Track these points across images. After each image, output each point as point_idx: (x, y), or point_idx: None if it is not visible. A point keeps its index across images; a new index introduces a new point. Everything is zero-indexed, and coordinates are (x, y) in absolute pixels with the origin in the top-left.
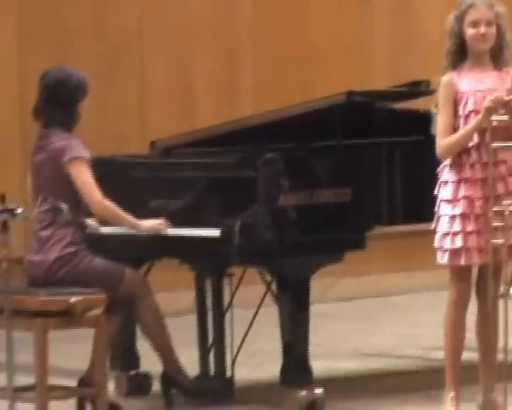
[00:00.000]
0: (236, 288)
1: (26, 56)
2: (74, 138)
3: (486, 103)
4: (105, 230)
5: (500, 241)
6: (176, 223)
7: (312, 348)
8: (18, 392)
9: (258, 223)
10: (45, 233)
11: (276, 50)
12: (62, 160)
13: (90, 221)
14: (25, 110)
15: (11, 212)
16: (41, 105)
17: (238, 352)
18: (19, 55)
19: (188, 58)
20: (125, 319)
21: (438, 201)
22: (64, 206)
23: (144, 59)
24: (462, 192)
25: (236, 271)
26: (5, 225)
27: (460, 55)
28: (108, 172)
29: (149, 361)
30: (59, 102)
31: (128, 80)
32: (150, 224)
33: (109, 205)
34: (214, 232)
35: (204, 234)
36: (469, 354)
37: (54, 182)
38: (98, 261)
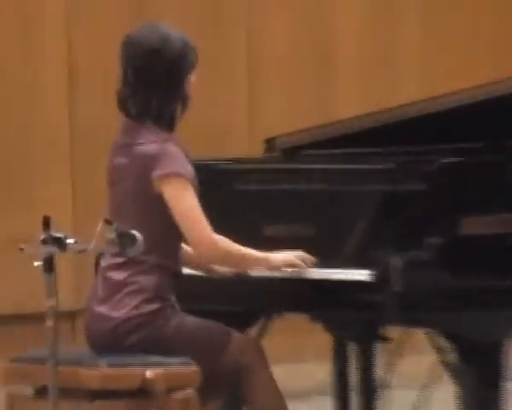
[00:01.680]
0: (393, 358)
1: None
2: (174, 143)
3: None
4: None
5: None
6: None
7: None
8: None
9: (428, 261)
10: (117, 276)
11: None
12: (153, 173)
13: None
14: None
15: (59, 242)
16: (128, 91)
17: None
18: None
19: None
20: (229, 401)
21: None
22: (138, 235)
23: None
24: None
25: (394, 333)
26: (51, 263)
27: None
28: (203, 184)
29: None
30: (155, 83)
31: (231, 52)
32: (284, 257)
33: (224, 242)
34: (362, 275)
35: (346, 277)
36: None
37: (135, 202)
38: (192, 321)
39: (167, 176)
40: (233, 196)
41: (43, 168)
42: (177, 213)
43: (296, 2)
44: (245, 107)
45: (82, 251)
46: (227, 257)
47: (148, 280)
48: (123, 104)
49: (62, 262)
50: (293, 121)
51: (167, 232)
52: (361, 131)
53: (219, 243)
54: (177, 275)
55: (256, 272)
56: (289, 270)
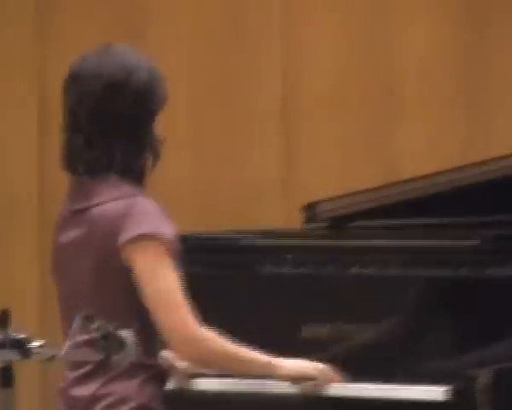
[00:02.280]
0: None
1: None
2: (145, 198)
3: None
4: (201, 383)
5: None
6: (354, 370)
7: None
8: None
9: None
10: (84, 391)
11: None
12: (119, 239)
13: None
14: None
15: (21, 347)
16: (79, 140)
17: None
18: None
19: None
20: None
21: None
22: (129, 337)
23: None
24: None
25: None
26: (7, 373)
27: None
28: (207, 266)
29: None
30: (117, 127)
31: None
32: (299, 365)
33: (211, 338)
34: (435, 392)
35: (413, 396)
36: None
37: (99, 285)
38: None
39: (137, 240)
40: (249, 283)
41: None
42: (146, 291)
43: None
44: (279, 159)
45: (51, 358)
46: (214, 358)
47: (128, 387)
48: (71, 159)
49: (25, 372)
50: (342, 179)
51: (147, 320)
52: (433, 195)
53: (204, 339)
54: (165, 378)
55: (254, 385)
56: (303, 384)
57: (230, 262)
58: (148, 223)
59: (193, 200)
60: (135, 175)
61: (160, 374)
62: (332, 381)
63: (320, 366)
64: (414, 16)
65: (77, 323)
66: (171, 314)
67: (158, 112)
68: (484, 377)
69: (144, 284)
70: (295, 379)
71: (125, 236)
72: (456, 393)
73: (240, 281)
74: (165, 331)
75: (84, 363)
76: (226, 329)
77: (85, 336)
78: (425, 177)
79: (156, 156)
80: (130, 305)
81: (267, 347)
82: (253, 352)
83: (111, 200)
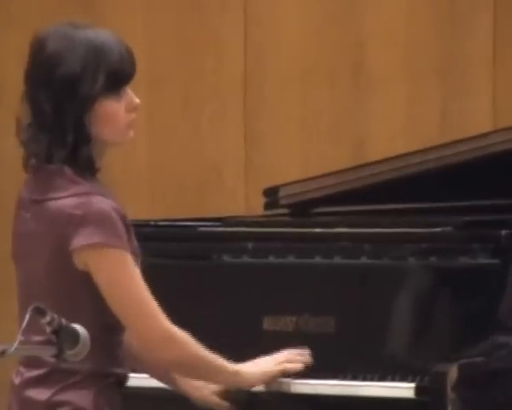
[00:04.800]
0: None
1: None
2: (103, 195)
3: None
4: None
5: None
6: (320, 366)
7: None
8: None
9: (497, 367)
10: (39, 395)
11: None
12: (74, 242)
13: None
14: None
15: None
16: (26, 128)
17: None
18: None
19: None
20: None
21: None
22: (82, 331)
23: None
24: None
25: None
26: None
27: None
28: (163, 255)
29: None
30: (61, 107)
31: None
32: (266, 367)
33: (184, 339)
34: (404, 389)
35: (383, 393)
36: None
37: (53, 285)
38: None
39: (95, 247)
40: (218, 272)
41: None
42: (113, 300)
43: None
44: (240, 140)
45: (1, 354)
46: (186, 361)
47: (83, 397)
48: (24, 148)
49: None
50: (307, 161)
51: (103, 324)
52: (404, 179)
53: (178, 339)
54: (123, 384)
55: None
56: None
57: (188, 251)
58: (104, 229)
59: (149, 186)
60: (83, 163)
61: (118, 382)
62: (298, 367)
63: (285, 354)
64: None
65: (28, 316)
66: (145, 318)
67: (95, 99)
68: (454, 372)
69: (111, 292)
70: (268, 380)
71: (80, 241)
72: (426, 389)
73: (198, 271)
74: (140, 337)
75: (40, 364)
76: (184, 321)
77: (38, 335)
78: (395, 158)
79: (83, 144)
80: (85, 307)
81: (227, 339)
82: (222, 360)
83: (65, 196)
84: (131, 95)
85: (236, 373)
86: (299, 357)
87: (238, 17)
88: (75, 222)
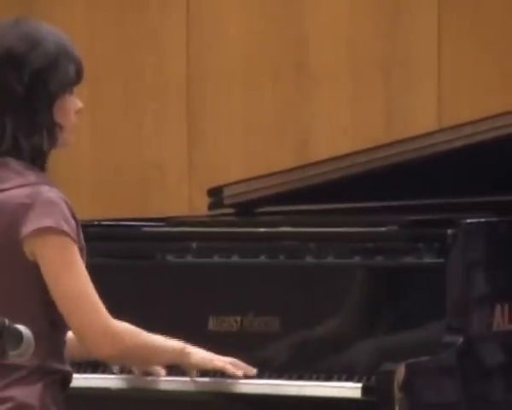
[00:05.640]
0: None
1: None
2: (52, 186)
3: None
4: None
5: None
6: (265, 365)
7: None
8: None
9: (444, 366)
10: None
11: None
12: (22, 230)
13: None
14: None
15: None
16: None
17: None
18: None
19: None
20: None
21: None
22: (25, 332)
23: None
24: None
25: None
26: None
27: None
28: (107, 255)
29: None
30: (11, 102)
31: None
32: (211, 356)
33: (126, 331)
34: (350, 389)
35: (329, 393)
36: None
37: (4, 276)
38: None
39: (42, 232)
40: (162, 272)
41: None
42: (56, 290)
43: None
44: (183, 140)
45: None
46: (132, 352)
47: (29, 393)
48: None
49: None
50: (251, 161)
51: (51, 320)
52: (349, 178)
53: (121, 333)
54: (68, 381)
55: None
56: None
57: (132, 251)
58: (53, 216)
59: (92, 185)
60: (29, 157)
61: (63, 378)
62: (242, 374)
63: (228, 359)
64: None
65: None
66: (87, 313)
67: (62, 91)
68: (401, 371)
69: (54, 281)
70: (206, 369)
71: (29, 227)
72: (373, 389)
73: (142, 271)
74: (80, 331)
75: None
76: (128, 322)
77: None
78: (340, 158)
79: (52, 139)
80: (33, 301)
81: (172, 339)
82: (167, 339)
83: (16, 187)
84: (76, 98)
85: (181, 351)
86: (243, 365)
87: (180, 16)
88: (24, 211)
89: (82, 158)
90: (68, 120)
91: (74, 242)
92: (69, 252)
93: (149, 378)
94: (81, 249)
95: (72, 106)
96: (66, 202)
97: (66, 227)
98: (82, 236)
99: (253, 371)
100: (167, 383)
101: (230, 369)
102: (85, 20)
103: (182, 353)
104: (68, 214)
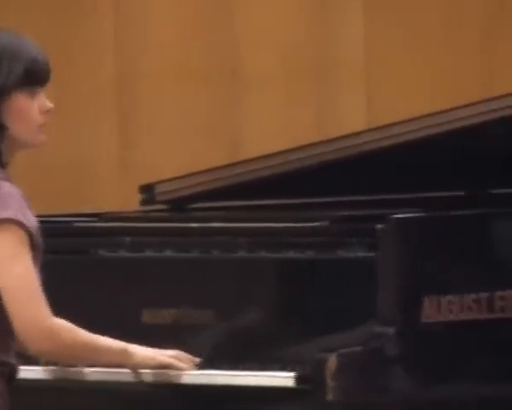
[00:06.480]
0: None
1: None
2: (10, 181)
3: None
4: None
5: None
6: (200, 357)
7: None
8: None
9: (379, 358)
10: None
11: None
12: None
13: None
14: None
15: None
16: None
17: None
18: None
19: None
20: None
21: None
22: None
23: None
24: None
25: None
26: None
27: None
28: (46, 252)
29: None
30: None
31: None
32: (154, 354)
33: (65, 329)
34: (284, 378)
35: (262, 382)
36: None
37: None
38: None
39: (1, 223)
40: (95, 266)
41: None
42: (1, 280)
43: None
44: (115, 138)
45: None
46: (69, 350)
47: None
48: None
49: None
50: (184, 159)
51: (1, 313)
52: (281, 175)
53: (59, 330)
54: (14, 374)
55: (103, 373)
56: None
57: (65, 246)
58: (12, 208)
59: (24, 186)
60: None
61: (10, 371)
62: (186, 366)
63: (171, 352)
64: None
65: None
66: (27, 305)
67: (13, 89)
68: (332, 361)
69: (1, 269)
70: (150, 368)
71: None
72: (306, 378)
73: (75, 266)
74: (19, 323)
75: None
76: (62, 317)
77: None
78: (273, 155)
79: (4, 138)
80: None
81: (106, 333)
82: (109, 340)
83: None
84: (45, 98)
85: (124, 352)
86: (188, 358)
87: (108, 18)
88: None
89: (15, 157)
90: (27, 119)
91: (27, 236)
92: (21, 245)
93: (89, 370)
94: (38, 246)
95: (29, 106)
96: (26, 200)
97: (21, 219)
98: (40, 237)
99: (197, 360)
100: (103, 374)
101: (175, 364)
102: (14, 23)
103: (124, 353)
104: (26, 209)
